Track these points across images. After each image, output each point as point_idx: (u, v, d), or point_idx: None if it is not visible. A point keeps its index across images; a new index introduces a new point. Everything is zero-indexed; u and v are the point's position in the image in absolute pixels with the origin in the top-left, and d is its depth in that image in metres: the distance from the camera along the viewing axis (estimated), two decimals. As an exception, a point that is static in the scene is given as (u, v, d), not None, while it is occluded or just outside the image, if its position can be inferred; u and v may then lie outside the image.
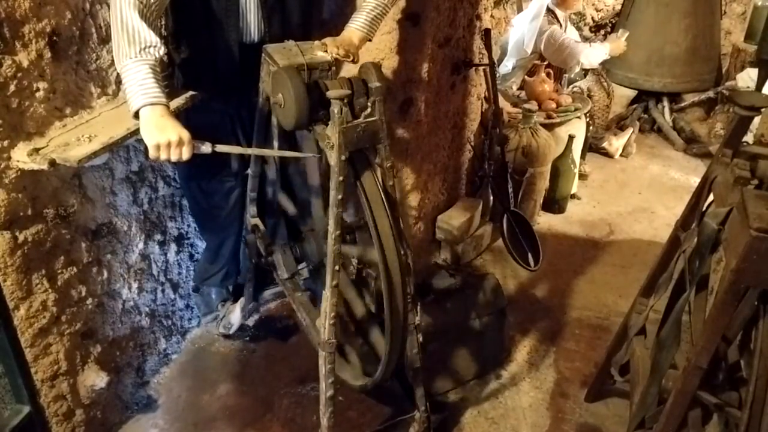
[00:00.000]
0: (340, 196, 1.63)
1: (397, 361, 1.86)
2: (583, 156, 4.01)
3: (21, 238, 1.69)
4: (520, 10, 4.01)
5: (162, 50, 1.63)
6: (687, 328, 1.76)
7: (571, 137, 3.57)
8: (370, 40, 2.02)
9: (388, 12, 2.02)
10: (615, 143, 4.45)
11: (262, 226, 2.26)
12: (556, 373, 2.53)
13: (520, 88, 3.89)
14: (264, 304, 2.81)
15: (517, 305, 2.89)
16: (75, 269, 1.91)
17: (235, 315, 2.54)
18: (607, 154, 4.47)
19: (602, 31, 5.45)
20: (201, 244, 2.60)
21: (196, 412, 2.31)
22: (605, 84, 4.38)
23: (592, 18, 5.41)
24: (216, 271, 2.47)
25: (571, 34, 3.91)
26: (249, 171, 2.20)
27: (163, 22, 2.06)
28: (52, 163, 1.58)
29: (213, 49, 2.03)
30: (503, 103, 3.41)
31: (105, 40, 1.85)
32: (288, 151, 2.10)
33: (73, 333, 1.93)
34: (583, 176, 4.06)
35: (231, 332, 2.57)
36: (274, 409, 2.34)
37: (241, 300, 2.55)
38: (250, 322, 2.68)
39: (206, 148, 1.67)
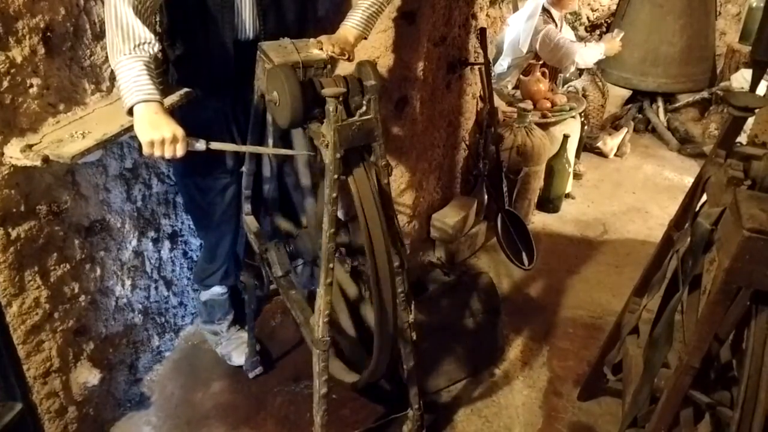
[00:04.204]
0: (334, 194, 1.63)
1: (389, 359, 1.86)
2: (577, 155, 4.03)
3: (14, 234, 1.69)
4: (515, 9, 4.02)
5: (156, 47, 1.63)
6: (679, 327, 1.77)
7: (565, 137, 3.59)
8: (365, 38, 2.01)
9: (383, 10, 2.02)
10: (609, 143, 4.47)
11: (256, 224, 2.25)
12: (550, 371, 2.54)
13: (516, 87, 3.91)
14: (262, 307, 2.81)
15: (511, 304, 2.90)
16: (68, 266, 1.90)
17: (237, 356, 2.51)
18: (601, 154, 4.50)
19: (597, 31, 5.47)
20: (195, 242, 2.60)
21: (189, 410, 2.31)
22: (600, 84, 4.40)
23: (588, 18, 5.43)
24: (215, 270, 2.46)
25: (566, 34, 3.93)
26: (244, 168, 2.20)
27: (157, 19, 2.05)
28: (45, 159, 1.58)
29: (208, 47, 2.03)
30: (498, 102, 3.42)
31: (99, 36, 1.85)
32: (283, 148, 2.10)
33: (65, 330, 1.93)
34: (577, 176, 4.08)
35: (228, 363, 2.54)
36: (267, 406, 2.34)
37: (243, 341, 2.51)
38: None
39: (201, 145, 1.67)
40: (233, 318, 2.59)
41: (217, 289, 2.51)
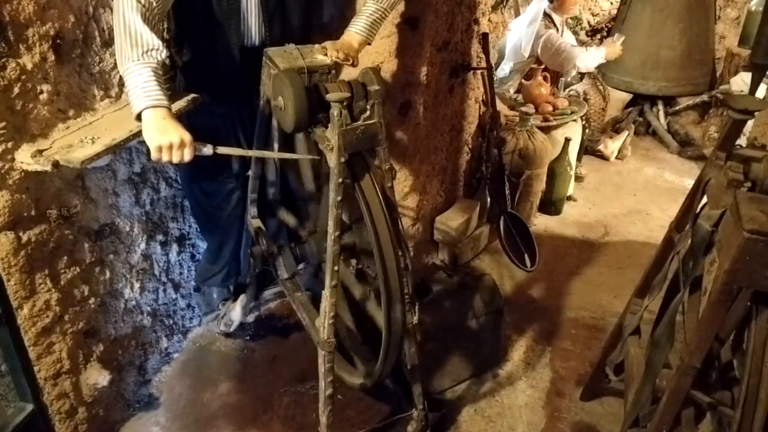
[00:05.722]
0: (339, 198, 1.65)
1: (395, 360, 1.88)
2: (579, 158, 4.04)
3: (24, 238, 1.71)
4: (517, 14, 4.04)
5: (164, 53, 1.65)
6: (681, 328, 1.78)
7: (567, 140, 3.61)
8: (369, 44, 2.04)
9: (387, 16, 2.04)
10: (610, 146, 4.49)
11: (262, 227, 2.28)
12: (552, 372, 2.56)
13: (518, 91, 3.92)
14: (264, 304, 2.83)
15: (514, 305, 2.92)
16: (78, 269, 1.92)
17: (236, 312, 2.55)
18: (602, 157, 4.51)
19: (598, 36, 5.49)
20: (202, 245, 2.62)
21: (197, 410, 2.33)
22: (601, 87, 4.42)
23: (589, 22, 5.45)
24: (217, 272, 2.49)
25: (567, 38, 3.94)
26: (250, 172, 2.22)
27: (165, 26, 2.08)
28: (56, 164, 1.60)
29: (214, 53, 2.05)
30: (500, 106, 3.44)
31: (108, 43, 1.87)
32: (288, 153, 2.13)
33: (75, 332, 1.95)
34: (579, 178, 4.09)
35: (231, 330, 2.58)
36: (274, 407, 2.35)
37: (242, 297, 2.55)
38: (251, 318, 2.68)
39: (207, 150, 1.69)
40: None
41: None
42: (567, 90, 4.26)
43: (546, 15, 3.78)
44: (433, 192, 2.99)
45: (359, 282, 2.04)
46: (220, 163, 2.13)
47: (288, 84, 1.64)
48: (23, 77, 1.60)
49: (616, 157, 4.54)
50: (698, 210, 1.82)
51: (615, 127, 4.84)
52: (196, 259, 2.63)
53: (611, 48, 3.95)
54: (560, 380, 2.52)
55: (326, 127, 1.65)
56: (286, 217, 2.30)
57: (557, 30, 3.83)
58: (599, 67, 4.08)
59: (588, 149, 4.38)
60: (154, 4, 1.66)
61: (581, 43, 4.98)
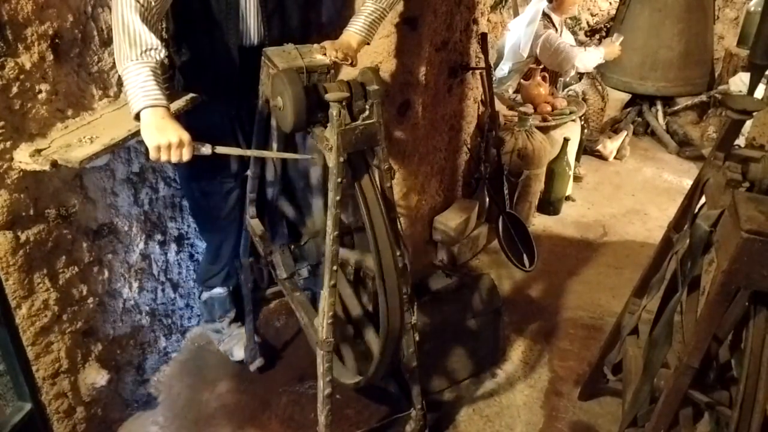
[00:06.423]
0: (338, 198, 1.65)
1: (391, 360, 1.88)
2: (577, 158, 4.05)
3: (23, 237, 1.71)
4: (516, 14, 4.04)
5: (163, 53, 1.64)
6: (679, 328, 1.78)
7: (566, 140, 3.61)
8: (368, 44, 2.03)
9: (386, 16, 2.04)
10: (609, 146, 4.49)
11: (261, 227, 2.28)
12: (550, 371, 2.56)
13: (516, 91, 3.93)
14: (264, 304, 2.83)
15: (513, 305, 2.92)
16: (76, 269, 1.92)
17: (238, 350, 2.52)
18: (601, 157, 4.52)
19: (597, 36, 5.49)
20: (201, 244, 2.62)
21: (195, 410, 2.33)
22: (600, 87, 4.42)
23: (587, 22, 5.45)
24: (217, 272, 2.49)
25: (566, 39, 3.95)
26: (248, 172, 2.22)
27: (163, 25, 2.08)
28: (54, 164, 1.60)
29: (213, 52, 2.05)
30: (499, 106, 3.44)
31: (106, 42, 1.87)
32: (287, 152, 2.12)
33: (74, 331, 1.95)
34: (577, 178, 4.10)
35: (230, 360, 2.55)
36: (272, 407, 2.36)
37: (244, 336, 2.51)
38: (253, 367, 2.54)
39: (206, 149, 1.69)
40: (234, 316, 2.61)
41: (218, 289, 2.54)
42: (566, 90, 4.27)
43: (545, 15, 3.79)
44: (432, 192, 2.99)
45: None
46: (219, 163, 2.12)
47: (287, 84, 1.63)
48: (22, 77, 1.60)
49: (615, 157, 4.54)
50: (697, 210, 1.82)
51: (614, 127, 4.84)
52: (195, 258, 2.63)
53: (610, 48, 3.95)
54: (558, 380, 2.52)
55: (325, 127, 1.65)
56: (286, 208, 2.28)
57: (556, 30, 3.84)
58: (598, 68, 4.08)
59: (587, 149, 4.39)
60: (153, 3, 1.66)
61: (580, 44, 5.00)
